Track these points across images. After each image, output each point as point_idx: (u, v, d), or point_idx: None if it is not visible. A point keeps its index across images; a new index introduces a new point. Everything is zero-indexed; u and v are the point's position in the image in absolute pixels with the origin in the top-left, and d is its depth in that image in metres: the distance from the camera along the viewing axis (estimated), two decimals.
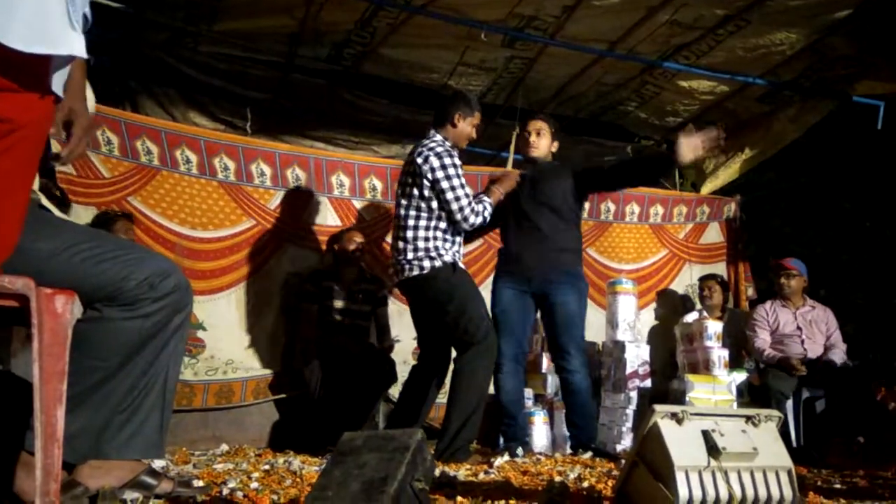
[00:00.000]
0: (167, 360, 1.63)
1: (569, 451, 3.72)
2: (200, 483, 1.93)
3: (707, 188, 5.96)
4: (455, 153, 3.31)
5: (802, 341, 4.43)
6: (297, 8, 4.20)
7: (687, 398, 4.12)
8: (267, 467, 2.80)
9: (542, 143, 3.75)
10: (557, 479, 2.42)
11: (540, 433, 4.38)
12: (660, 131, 5.77)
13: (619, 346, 4.50)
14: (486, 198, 3.40)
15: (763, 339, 4.50)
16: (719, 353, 4.42)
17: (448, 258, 3.25)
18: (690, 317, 4.94)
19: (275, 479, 2.40)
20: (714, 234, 5.94)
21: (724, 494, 1.68)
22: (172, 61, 4.85)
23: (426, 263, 3.23)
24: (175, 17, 4.34)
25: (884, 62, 4.51)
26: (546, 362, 4.76)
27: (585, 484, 2.32)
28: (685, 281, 5.73)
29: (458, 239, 3.35)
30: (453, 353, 3.35)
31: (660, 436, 1.70)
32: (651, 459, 1.74)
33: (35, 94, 1.19)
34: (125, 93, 4.96)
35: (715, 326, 4.54)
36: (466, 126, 3.42)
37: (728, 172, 5.77)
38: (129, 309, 1.53)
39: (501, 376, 3.57)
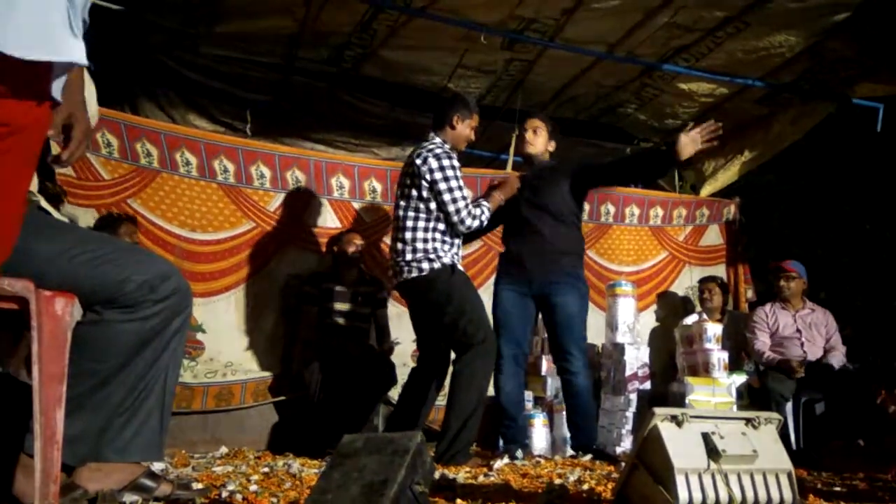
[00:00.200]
0: (167, 363, 1.63)
1: (569, 452, 3.71)
2: (200, 485, 1.93)
3: (706, 190, 5.96)
4: (454, 155, 3.32)
5: (802, 344, 4.42)
6: (296, 10, 4.21)
7: (687, 400, 4.12)
8: (266, 470, 2.80)
9: (539, 141, 3.75)
10: (557, 481, 2.42)
11: (540, 436, 4.38)
12: (659, 133, 5.77)
13: (619, 349, 4.50)
14: (484, 202, 3.41)
15: (763, 342, 4.50)
16: (719, 356, 4.42)
17: (447, 260, 3.25)
18: (690, 319, 4.94)
19: (274, 482, 2.40)
20: (714, 237, 5.95)
21: (723, 497, 1.68)
22: (172, 63, 4.86)
23: (425, 265, 3.23)
24: (174, 20, 4.34)
25: (883, 64, 4.51)
26: (546, 365, 4.76)
27: (585, 486, 2.32)
28: (685, 283, 5.73)
29: (456, 241, 3.34)
30: (452, 356, 3.35)
31: (659, 438, 1.70)
32: (651, 462, 1.73)
33: (34, 98, 1.19)
34: (125, 95, 4.97)
35: (714, 329, 4.54)
36: (465, 128, 3.43)
37: (727, 175, 5.78)
38: (129, 311, 1.53)
39: (502, 377, 3.56)
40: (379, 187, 5.01)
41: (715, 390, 4.23)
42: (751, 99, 5.15)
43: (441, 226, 3.27)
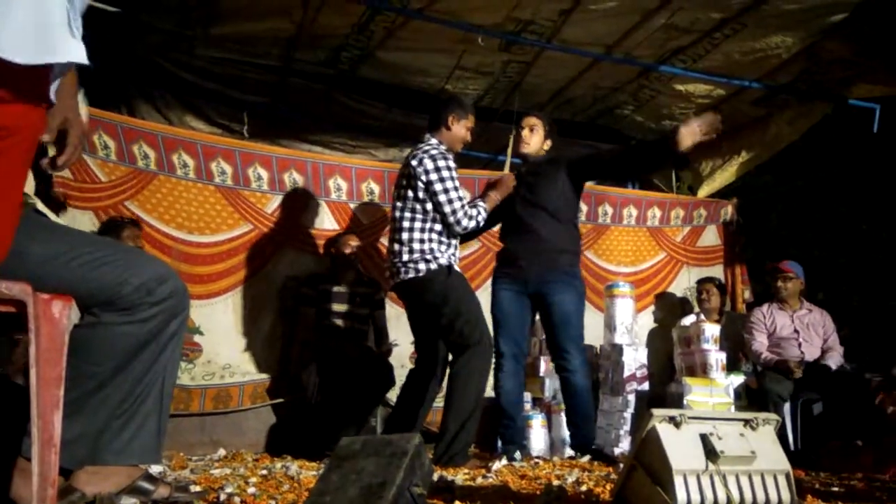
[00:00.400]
0: (164, 365, 1.62)
1: (567, 452, 3.71)
2: (198, 488, 1.92)
3: (704, 191, 5.97)
4: (450, 156, 3.32)
5: (799, 344, 4.43)
6: (293, 12, 4.20)
7: (685, 401, 4.12)
8: (264, 472, 2.79)
9: (535, 140, 3.75)
10: (555, 483, 2.42)
11: (538, 437, 4.38)
12: (656, 135, 5.77)
13: (617, 350, 4.50)
14: (480, 202, 3.41)
15: (760, 343, 4.50)
16: (717, 357, 4.42)
17: (443, 261, 3.25)
18: (688, 320, 4.94)
19: (272, 485, 2.39)
20: (711, 237, 5.95)
21: (722, 498, 1.68)
22: (169, 65, 4.85)
23: (421, 266, 3.23)
24: (171, 21, 4.34)
25: (879, 65, 4.52)
26: (544, 365, 4.77)
27: (584, 488, 2.31)
28: (683, 284, 5.74)
29: (453, 241, 3.35)
30: (450, 357, 3.35)
31: (658, 439, 1.70)
32: (649, 463, 1.73)
33: (34, 101, 1.18)
34: (121, 97, 4.96)
35: (712, 329, 4.54)
36: (461, 129, 3.43)
37: (725, 175, 5.79)
38: (126, 314, 1.53)
39: (501, 375, 3.57)
40: (377, 189, 5.01)
41: (713, 391, 4.23)
42: (748, 100, 5.16)
43: (438, 227, 3.28)
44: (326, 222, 4.84)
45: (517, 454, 3.42)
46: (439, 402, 3.56)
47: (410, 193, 3.29)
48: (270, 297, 4.62)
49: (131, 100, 5.01)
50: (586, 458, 3.36)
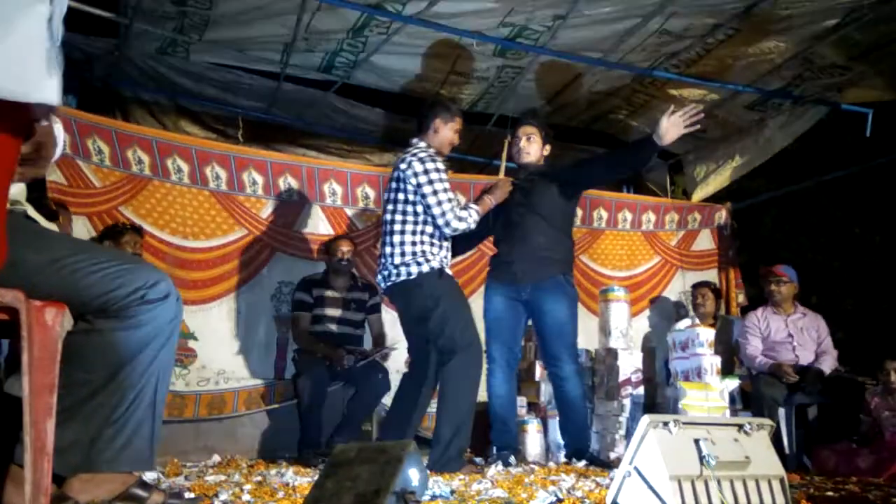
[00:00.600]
0: (158, 371, 1.62)
1: (562, 459, 3.71)
2: (192, 495, 1.92)
3: (698, 195, 5.99)
4: (439, 159, 3.31)
5: (794, 348, 4.43)
6: (288, 17, 4.20)
7: (679, 405, 4.11)
8: (259, 479, 2.78)
9: (533, 149, 3.75)
10: (551, 488, 2.42)
11: (533, 441, 4.37)
12: None
13: (612, 354, 4.50)
14: (473, 205, 3.39)
15: (754, 347, 4.51)
16: (711, 361, 4.42)
17: (435, 263, 3.24)
18: (682, 324, 4.94)
19: (267, 491, 2.38)
20: (706, 241, 5.97)
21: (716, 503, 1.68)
22: (163, 70, 4.85)
23: (413, 269, 3.22)
24: (166, 27, 4.33)
25: (872, 70, 4.54)
26: (539, 370, 4.76)
27: (579, 493, 2.31)
28: (677, 288, 5.75)
29: (445, 244, 3.33)
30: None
31: (652, 445, 1.70)
32: (644, 469, 1.74)
33: (10, 123, 1.18)
34: (116, 102, 4.96)
35: (707, 334, 4.54)
36: (448, 131, 3.42)
37: (719, 180, 5.81)
38: (120, 320, 1.53)
39: (494, 381, 3.57)
40: (371, 193, 5.01)
41: (708, 395, 4.22)
42: (742, 105, 5.18)
43: (429, 229, 3.27)
44: (321, 227, 4.84)
45: (511, 459, 3.41)
46: (433, 407, 3.55)
47: (401, 196, 3.28)
48: (265, 302, 4.61)
49: (125, 105, 5.01)
50: (582, 462, 3.36)
